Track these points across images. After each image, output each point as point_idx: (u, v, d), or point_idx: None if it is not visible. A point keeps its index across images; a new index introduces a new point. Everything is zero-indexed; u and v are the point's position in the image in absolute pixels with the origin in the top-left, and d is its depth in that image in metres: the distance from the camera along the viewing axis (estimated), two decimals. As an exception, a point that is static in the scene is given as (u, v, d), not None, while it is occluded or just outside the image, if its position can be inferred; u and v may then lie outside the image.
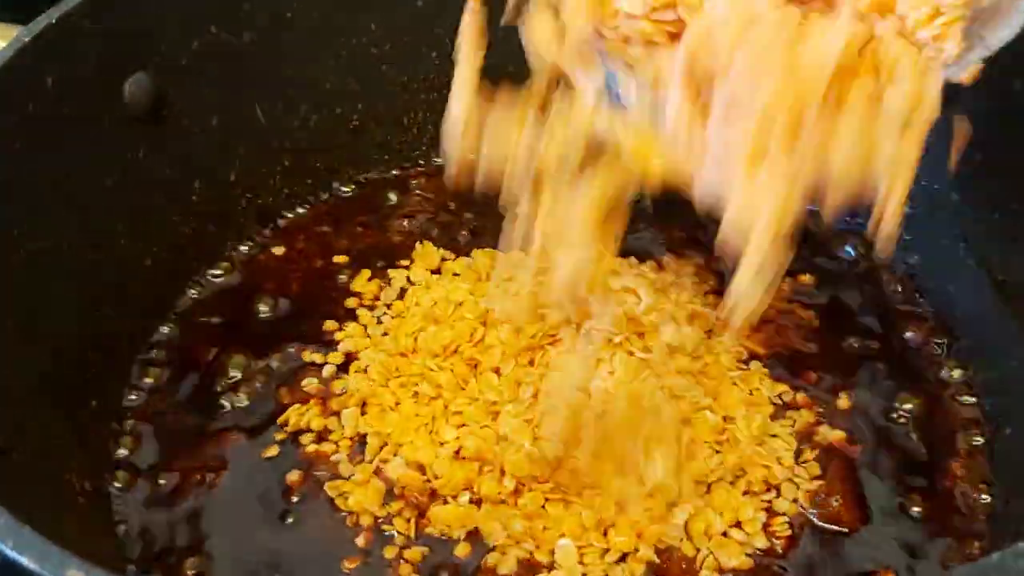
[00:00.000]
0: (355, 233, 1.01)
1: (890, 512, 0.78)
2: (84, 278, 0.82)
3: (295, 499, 0.79)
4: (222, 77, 0.92)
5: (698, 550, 0.75)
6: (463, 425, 0.80)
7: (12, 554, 0.48)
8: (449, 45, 1.03)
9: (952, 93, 0.86)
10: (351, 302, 0.93)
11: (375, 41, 1.01)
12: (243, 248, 0.99)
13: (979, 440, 0.83)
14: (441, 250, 0.97)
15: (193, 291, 0.94)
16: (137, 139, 0.86)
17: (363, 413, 0.83)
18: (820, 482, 0.78)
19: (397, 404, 0.83)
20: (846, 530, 0.77)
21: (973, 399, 0.86)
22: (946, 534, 0.77)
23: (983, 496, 0.79)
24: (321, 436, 0.82)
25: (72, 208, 0.80)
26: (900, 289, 0.94)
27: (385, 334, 0.89)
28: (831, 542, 0.76)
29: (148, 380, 0.87)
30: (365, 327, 0.91)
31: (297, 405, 0.84)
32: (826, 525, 0.77)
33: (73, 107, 0.79)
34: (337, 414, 0.83)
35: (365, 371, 0.86)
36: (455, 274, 0.94)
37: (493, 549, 0.75)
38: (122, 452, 0.82)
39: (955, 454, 0.82)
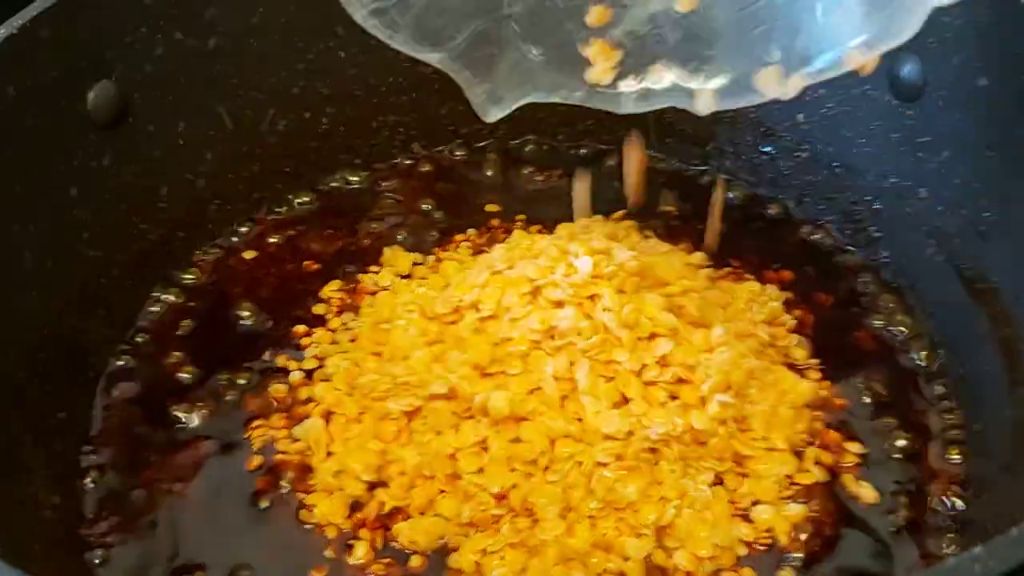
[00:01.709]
0: (325, 236, 1.00)
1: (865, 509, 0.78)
2: (48, 288, 0.81)
3: (262, 508, 0.78)
4: (188, 83, 0.92)
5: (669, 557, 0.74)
6: (427, 440, 0.79)
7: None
8: (418, 47, 1.04)
9: (916, 90, 0.87)
10: (320, 308, 0.93)
11: (342, 45, 1.01)
12: (212, 254, 0.98)
13: (951, 435, 0.83)
14: (412, 254, 0.97)
15: (161, 298, 0.94)
16: (102, 147, 0.86)
17: (328, 423, 0.82)
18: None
19: (361, 414, 0.82)
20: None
21: (943, 395, 0.86)
22: (916, 532, 0.77)
23: (953, 495, 0.79)
24: (287, 446, 0.82)
25: (35, 218, 0.79)
26: (869, 284, 0.94)
27: (352, 340, 0.89)
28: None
29: (115, 391, 0.86)
30: (333, 332, 0.90)
31: (263, 416, 0.84)
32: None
33: (35, 117, 0.79)
34: (303, 422, 0.83)
35: (330, 379, 0.85)
36: (423, 279, 0.94)
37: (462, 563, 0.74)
38: (89, 464, 0.81)
39: (927, 447, 0.82)
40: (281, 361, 0.88)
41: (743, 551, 0.75)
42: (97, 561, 0.75)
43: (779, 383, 0.82)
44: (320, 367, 0.87)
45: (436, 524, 0.76)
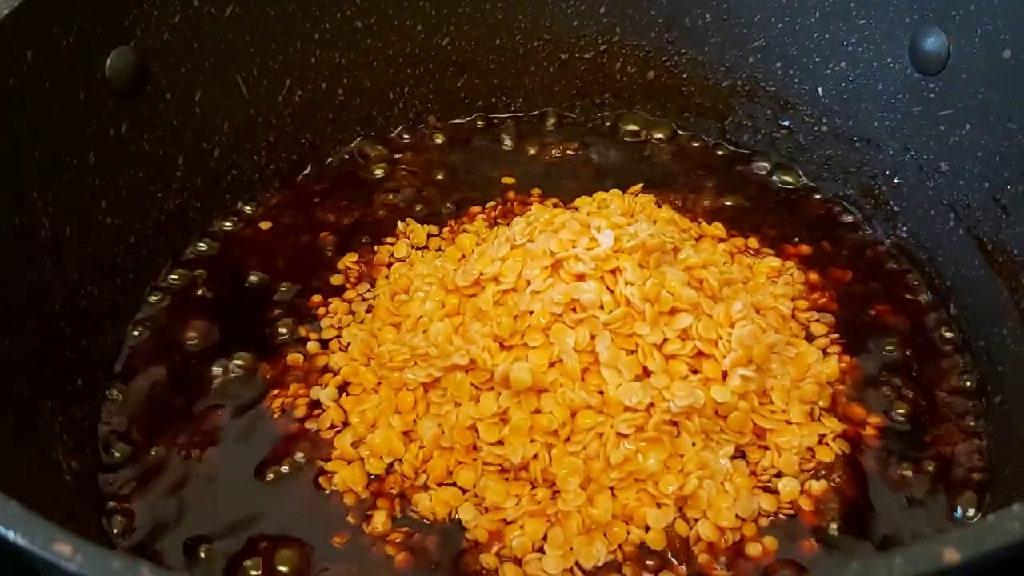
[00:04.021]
0: (341, 207, 1.00)
1: (887, 481, 0.78)
2: (65, 257, 0.81)
3: (280, 475, 0.79)
4: (205, 51, 0.91)
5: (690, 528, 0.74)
6: (445, 411, 0.78)
7: None
8: (434, 17, 1.04)
9: (938, 63, 0.87)
10: (337, 279, 0.92)
11: (360, 14, 1.00)
12: (228, 224, 0.98)
13: (971, 407, 0.83)
14: (427, 226, 0.96)
15: (178, 267, 0.94)
16: (119, 114, 0.85)
17: (346, 393, 0.82)
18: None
19: (378, 384, 0.82)
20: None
21: (963, 367, 0.86)
22: (940, 500, 0.77)
23: (974, 466, 0.79)
24: (305, 414, 0.82)
25: (53, 185, 0.79)
26: (888, 258, 0.94)
27: (369, 311, 0.89)
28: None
29: (133, 358, 0.86)
30: (350, 303, 0.90)
31: (280, 385, 0.84)
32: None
33: (54, 82, 0.78)
34: (320, 391, 0.83)
35: (347, 349, 0.85)
36: (439, 250, 0.93)
37: (478, 533, 0.74)
38: (108, 430, 0.81)
39: (947, 421, 0.82)
40: (297, 330, 0.88)
41: (765, 522, 0.75)
42: (116, 530, 0.75)
43: (800, 357, 0.82)
44: (337, 337, 0.87)
45: (454, 495, 0.76)
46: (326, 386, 0.83)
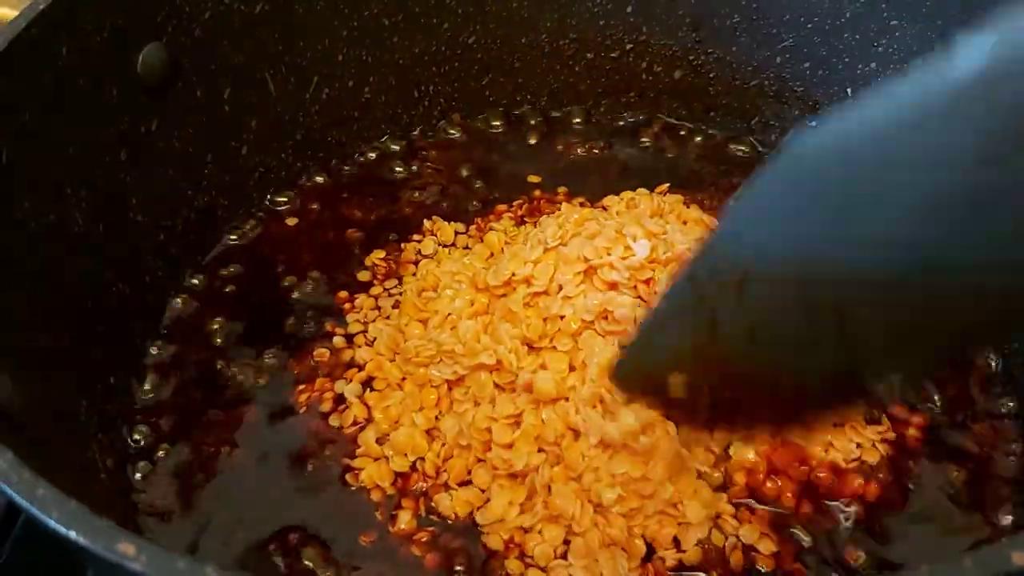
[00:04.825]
0: (367, 205, 1.00)
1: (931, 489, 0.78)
2: (99, 254, 0.81)
3: (308, 471, 0.79)
4: (235, 48, 0.91)
5: (726, 538, 0.74)
6: (465, 410, 0.78)
7: (59, 528, 0.48)
8: (460, 15, 1.04)
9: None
10: (364, 275, 0.93)
11: (387, 12, 1.00)
12: (254, 221, 0.98)
13: (1005, 408, 0.83)
14: (453, 224, 0.96)
15: (206, 264, 0.94)
16: (150, 112, 0.85)
17: (371, 389, 0.83)
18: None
19: (403, 380, 0.82)
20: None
21: (993, 372, 0.85)
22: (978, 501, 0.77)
23: (1009, 468, 0.79)
24: (330, 409, 0.82)
25: (84, 182, 0.79)
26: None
27: (395, 307, 0.89)
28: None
29: (163, 355, 0.87)
30: (376, 299, 0.90)
31: (307, 380, 0.84)
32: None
33: (86, 78, 0.78)
34: (345, 386, 0.83)
35: (372, 344, 0.86)
36: (466, 248, 0.94)
37: (491, 540, 0.74)
38: (138, 428, 0.81)
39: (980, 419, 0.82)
40: (324, 326, 0.88)
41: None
42: (149, 526, 0.75)
43: None
44: (363, 332, 0.87)
45: (475, 495, 0.76)
46: (351, 381, 0.83)
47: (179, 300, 0.91)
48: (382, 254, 0.94)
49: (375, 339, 0.86)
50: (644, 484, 0.72)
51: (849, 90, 0.97)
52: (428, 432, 0.79)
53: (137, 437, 0.80)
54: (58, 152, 0.76)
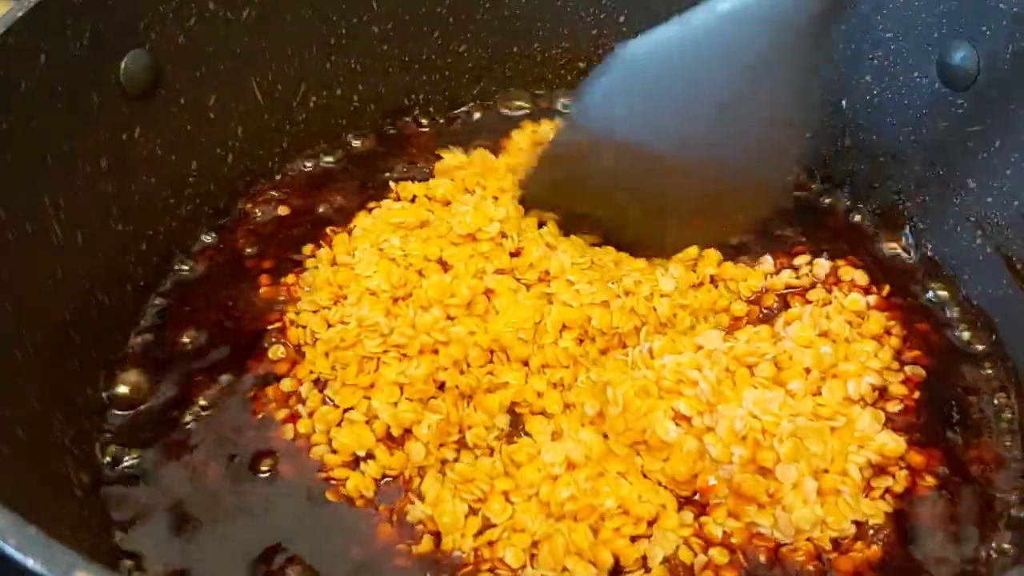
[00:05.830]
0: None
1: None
2: (77, 264, 0.80)
3: (283, 484, 0.78)
4: (220, 55, 0.90)
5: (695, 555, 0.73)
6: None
7: (15, 555, 0.46)
8: (451, 24, 1.02)
9: (967, 78, 0.85)
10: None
11: (376, 20, 0.99)
12: (237, 228, 0.96)
13: (1003, 426, 0.82)
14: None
15: (185, 272, 0.92)
16: (132, 119, 0.84)
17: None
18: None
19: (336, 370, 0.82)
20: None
21: (995, 385, 0.84)
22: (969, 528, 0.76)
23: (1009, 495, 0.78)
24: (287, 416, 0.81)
25: (65, 190, 0.77)
26: (913, 275, 0.92)
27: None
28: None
29: (134, 365, 0.84)
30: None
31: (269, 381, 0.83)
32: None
33: (67, 85, 0.76)
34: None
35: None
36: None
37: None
38: (112, 441, 0.79)
39: (979, 436, 0.81)
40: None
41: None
42: (124, 552, 0.73)
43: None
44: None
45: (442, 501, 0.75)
46: (303, 383, 0.82)
47: (157, 308, 0.88)
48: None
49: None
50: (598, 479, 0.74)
51: (843, 102, 0.96)
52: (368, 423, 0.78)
53: (113, 451, 0.78)
54: (36, 161, 0.75)
